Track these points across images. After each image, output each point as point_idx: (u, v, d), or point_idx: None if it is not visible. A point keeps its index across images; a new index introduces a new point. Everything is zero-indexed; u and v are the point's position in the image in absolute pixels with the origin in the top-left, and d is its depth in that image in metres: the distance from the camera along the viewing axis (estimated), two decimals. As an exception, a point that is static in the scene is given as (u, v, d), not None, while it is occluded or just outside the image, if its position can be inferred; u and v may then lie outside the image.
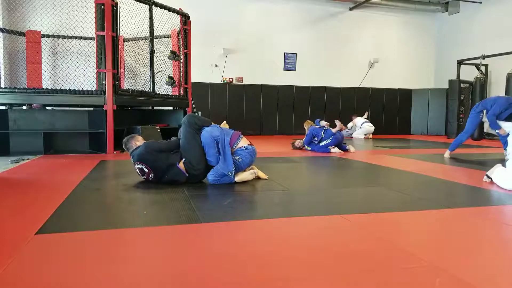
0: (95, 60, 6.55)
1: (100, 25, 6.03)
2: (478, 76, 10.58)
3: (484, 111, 5.73)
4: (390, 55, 12.77)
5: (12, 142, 6.08)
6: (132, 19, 6.55)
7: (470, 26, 11.97)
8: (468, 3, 11.80)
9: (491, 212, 2.84)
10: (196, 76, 9.14)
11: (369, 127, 10.77)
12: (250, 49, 11.43)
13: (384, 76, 12.68)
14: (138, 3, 6.44)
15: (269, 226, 2.36)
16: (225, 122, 4.20)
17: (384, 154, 6.65)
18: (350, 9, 12.26)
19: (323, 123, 7.03)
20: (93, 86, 6.72)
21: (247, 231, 2.30)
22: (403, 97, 12.75)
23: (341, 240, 2.12)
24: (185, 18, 7.58)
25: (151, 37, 6.69)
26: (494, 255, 1.94)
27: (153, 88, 6.79)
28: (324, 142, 6.64)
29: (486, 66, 10.95)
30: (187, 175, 3.51)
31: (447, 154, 6.05)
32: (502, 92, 9.87)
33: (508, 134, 5.32)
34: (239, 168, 3.65)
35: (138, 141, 3.71)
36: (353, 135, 10.75)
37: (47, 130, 6.27)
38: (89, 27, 6.76)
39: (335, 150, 6.59)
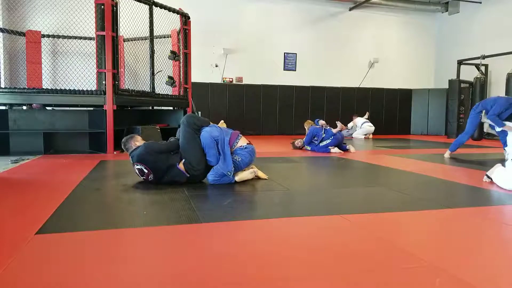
0: (95, 60, 6.55)
1: (100, 25, 6.03)
2: (478, 76, 10.58)
3: (484, 112, 5.72)
4: (390, 55, 12.77)
5: (12, 142, 6.08)
6: (132, 19, 6.55)
7: (470, 26, 11.97)
8: (468, 3, 11.80)
9: (491, 212, 2.84)
10: (196, 76, 9.14)
11: (369, 127, 10.77)
12: (250, 49, 11.43)
13: (384, 76, 12.68)
14: (138, 3, 6.44)
15: (269, 226, 2.36)
16: (222, 121, 4.17)
17: (384, 154, 6.65)
18: (350, 9, 12.26)
19: (321, 122, 7.05)
20: (93, 86, 6.72)
21: (247, 231, 2.30)
22: (403, 97, 12.75)
23: (341, 240, 2.12)
24: (185, 18, 7.58)
25: (151, 37, 6.70)
26: (494, 255, 1.94)
27: (153, 88, 6.79)
28: (325, 142, 6.65)
29: (486, 66, 10.95)
30: (187, 175, 3.50)
31: (447, 154, 6.05)
32: (502, 92, 9.87)
33: (507, 133, 5.33)
34: (238, 168, 3.65)
35: (137, 142, 3.69)
36: (353, 135, 10.76)
37: (47, 130, 6.27)
38: (89, 27, 6.77)
39: (335, 150, 6.59)
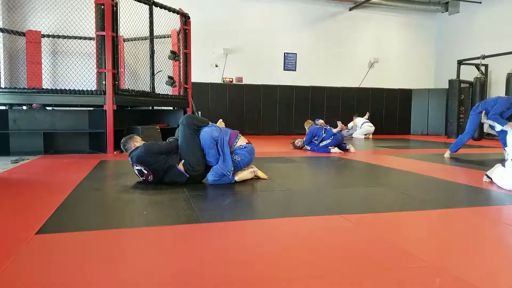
0: (95, 60, 6.56)
1: (100, 25, 6.03)
2: (478, 76, 10.58)
3: (484, 112, 5.72)
4: (390, 55, 12.77)
5: (12, 142, 6.08)
6: (132, 19, 6.55)
7: (470, 26, 11.97)
8: (468, 3, 11.80)
9: (491, 212, 2.84)
10: (196, 76, 9.15)
11: (369, 127, 10.78)
12: (250, 49, 11.43)
13: (384, 76, 12.68)
14: (138, 3, 6.44)
15: (269, 226, 2.36)
16: (221, 120, 4.14)
17: (384, 154, 6.65)
18: (350, 9, 12.26)
19: (320, 121, 7.05)
20: (93, 86, 6.72)
21: (247, 231, 2.30)
22: (403, 97, 12.75)
23: (341, 240, 2.12)
24: (185, 18, 7.58)
25: (151, 37, 6.69)
26: (494, 254, 1.94)
27: (153, 88, 6.79)
28: (325, 142, 6.64)
29: (486, 66, 10.95)
30: (187, 176, 3.50)
31: (447, 154, 6.04)
32: (502, 92, 9.87)
33: (507, 133, 5.33)
34: (238, 167, 3.65)
35: (136, 142, 3.67)
36: (353, 135, 10.76)
37: (47, 130, 6.27)
38: (89, 27, 6.77)
39: (335, 150, 6.59)
